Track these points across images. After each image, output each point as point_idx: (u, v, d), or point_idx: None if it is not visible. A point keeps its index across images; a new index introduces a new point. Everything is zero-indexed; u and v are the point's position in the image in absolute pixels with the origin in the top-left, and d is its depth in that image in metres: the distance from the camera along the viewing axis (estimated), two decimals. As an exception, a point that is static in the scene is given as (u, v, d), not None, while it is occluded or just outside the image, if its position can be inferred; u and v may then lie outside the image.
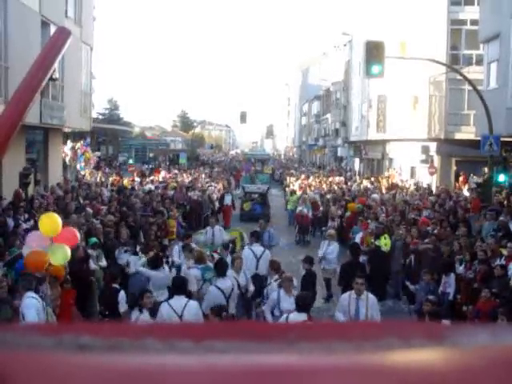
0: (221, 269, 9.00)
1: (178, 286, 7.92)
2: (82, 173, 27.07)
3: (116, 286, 8.75)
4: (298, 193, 25.84)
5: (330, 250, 12.50)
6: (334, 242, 13.00)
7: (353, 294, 8.27)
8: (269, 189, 28.21)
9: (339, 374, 0.57)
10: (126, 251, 11.53)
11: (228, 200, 23.65)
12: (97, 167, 31.10)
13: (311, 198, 21.90)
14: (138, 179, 27.77)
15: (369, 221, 15.63)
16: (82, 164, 26.66)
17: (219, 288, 8.59)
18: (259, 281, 10.12)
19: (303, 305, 7.38)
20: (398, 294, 12.82)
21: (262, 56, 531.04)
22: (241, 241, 14.25)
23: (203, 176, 34.53)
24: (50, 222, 8.60)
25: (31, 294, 7.34)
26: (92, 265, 10.34)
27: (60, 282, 9.01)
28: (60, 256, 8.34)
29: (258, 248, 11.15)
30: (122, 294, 8.54)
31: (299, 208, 19.34)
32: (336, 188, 26.58)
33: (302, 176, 34.92)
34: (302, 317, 7.19)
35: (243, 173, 40.82)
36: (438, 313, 7.98)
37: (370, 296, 8.34)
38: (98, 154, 28.57)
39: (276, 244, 14.65)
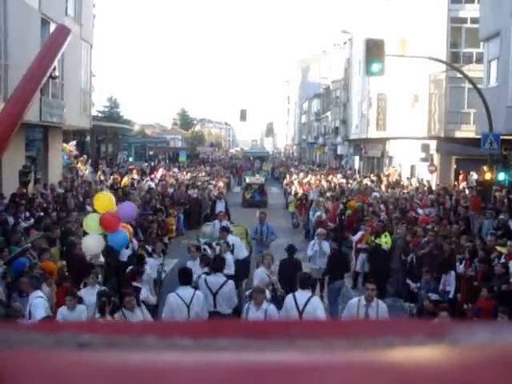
0: (215, 265, 9.06)
1: (185, 277, 8.09)
2: (81, 167, 27.23)
3: (137, 284, 8.77)
4: (299, 190, 25.77)
5: (324, 247, 12.40)
6: (325, 240, 12.71)
7: (362, 299, 7.89)
8: (266, 180, 33.42)
9: (339, 371, 0.57)
10: (127, 247, 11.63)
11: (221, 207, 19.16)
12: (96, 166, 31.13)
13: (322, 201, 20.20)
14: (137, 177, 27.80)
15: (368, 218, 15.63)
16: (67, 158, 26.76)
17: (207, 284, 8.68)
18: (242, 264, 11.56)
19: (304, 282, 7.98)
20: (399, 292, 12.82)
21: (261, 54, 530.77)
22: (246, 237, 14.30)
23: (203, 174, 34.54)
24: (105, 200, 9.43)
25: (39, 293, 7.34)
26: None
27: (60, 280, 9.03)
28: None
29: (234, 238, 12.30)
30: (144, 291, 8.68)
31: (317, 213, 17.95)
32: (337, 186, 26.55)
33: (301, 174, 34.94)
34: (307, 293, 7.78)
35: (243, 170, 41.30)
36: (444, 308, 7.61)
37: (381, 303, 7.88)
38: (74, 142, 28.79)
39: (275, 239, 14.55)
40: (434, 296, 8.61)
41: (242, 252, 12.15)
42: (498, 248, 10.97)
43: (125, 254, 11.24)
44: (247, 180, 31.64)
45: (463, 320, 8.62)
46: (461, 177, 24.65)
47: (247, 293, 8.88)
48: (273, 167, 51.72)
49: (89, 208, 15.03)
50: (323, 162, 56.10)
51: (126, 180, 25.70)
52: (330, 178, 31.57)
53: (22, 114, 1.84)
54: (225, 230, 12.17)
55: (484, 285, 9.26)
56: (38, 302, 7.19)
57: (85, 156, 30.73)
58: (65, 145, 26.93)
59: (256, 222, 14.72)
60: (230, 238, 11.91)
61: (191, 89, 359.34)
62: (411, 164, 30.39)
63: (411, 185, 25.98)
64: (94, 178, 25.29)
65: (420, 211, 16.98)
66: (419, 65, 23.35)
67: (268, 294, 8.27)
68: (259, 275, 9.75)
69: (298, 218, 22.39)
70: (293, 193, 25.58)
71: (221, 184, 30.00)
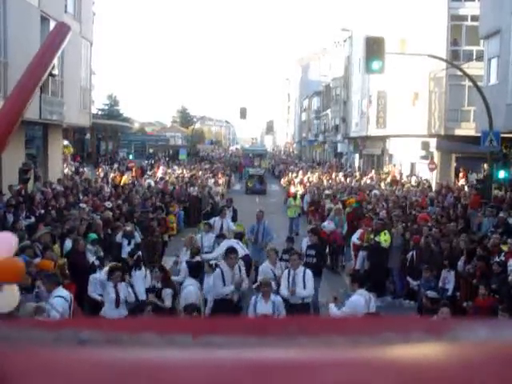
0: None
1: (193, 270, 8.95)
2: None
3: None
4: (299, 188, 25.60)
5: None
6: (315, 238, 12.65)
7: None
8: (265, 172, 39.02)
9: (338, 368, 0.57)
10: (123, 236, 12.22)
11: (228, 215, 16.00)
12: (96, 164, 31.09)
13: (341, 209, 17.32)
14: (150, 173, 27.86)
15: (367, 215, 15.60)
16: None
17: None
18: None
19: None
20: (398, 290, 12.83)
21: (261, 51, 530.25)
22: (245, 235, 14.26)
23: (202, 172, 34.50)
24: None
25: (61, 291, 7.33)
26: (90, 258, 10.36)
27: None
28: None
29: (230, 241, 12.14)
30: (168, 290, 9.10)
31: (324, 223, 15.97)
32: (338, 184, 26.50)
33: (300, 172, 34.98)
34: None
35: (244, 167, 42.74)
36: (445, 304, 7.61)
37: (353, 298, 8.01)
38: (66, 142, 27.79)
39: (271, 239, 14.39)
40: (431, 293, 8.60)
41: (244, 250, 12.12)
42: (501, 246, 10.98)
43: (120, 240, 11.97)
44: (250, 171, 37.08)
45: (462, 317, 8.60)
46: (461, 175, 24.64)
47: (254, 286, 9.14)
48: (273, 165, 51.86)
49: (83, 205, 15.04)
50: (323, 160, 56.03)
51: (125, 178, 25.65)
52: (333, 176, 31.57)
53: (22, 111, 1.84)
54: (208, 225, 12.71)
55: (482, 283, 9.26)
56: (58, 302, 7.19)
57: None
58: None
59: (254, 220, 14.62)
60: (227, 242, 11.40)
61: (191, 87, 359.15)
62: (411, 162, 30.37)
63: (410, 183, 25.98)
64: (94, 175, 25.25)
65: (430, 209, 16.88)
66: (419, 62, 23.31)
67: (274, 285, 8.63)
68: (264, 270, 9.84)
69: (313, 223, 21.02)
70: (292, 191, 25.20)
71: (221, 181, 29.97)
